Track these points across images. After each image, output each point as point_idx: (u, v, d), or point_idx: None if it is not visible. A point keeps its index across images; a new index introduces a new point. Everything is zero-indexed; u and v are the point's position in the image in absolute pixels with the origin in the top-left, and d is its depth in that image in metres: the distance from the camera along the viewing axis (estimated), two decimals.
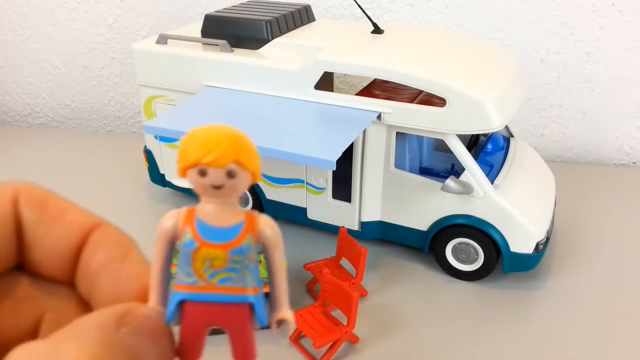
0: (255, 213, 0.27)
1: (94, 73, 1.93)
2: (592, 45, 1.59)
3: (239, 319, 0.27)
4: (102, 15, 1.83)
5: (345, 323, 0.98)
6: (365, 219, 1.24)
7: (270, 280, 0.28)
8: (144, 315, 0.25)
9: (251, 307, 0.27)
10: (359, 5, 1.30)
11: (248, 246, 0.26)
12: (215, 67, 1.24)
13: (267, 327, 0.28)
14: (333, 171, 0.97)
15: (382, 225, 1.24)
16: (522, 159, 1.25)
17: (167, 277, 0.27)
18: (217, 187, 0.25)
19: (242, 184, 0.26)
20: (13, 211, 0.27)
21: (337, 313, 1.02)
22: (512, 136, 1.33)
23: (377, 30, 1.27)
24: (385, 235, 1.25)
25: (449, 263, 1.19)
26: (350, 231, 1.20)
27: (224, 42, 1.25)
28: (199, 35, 1.31)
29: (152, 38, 1.34)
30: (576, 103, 1.67)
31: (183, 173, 0.26)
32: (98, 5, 1.82)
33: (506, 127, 1.30)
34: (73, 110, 2.01)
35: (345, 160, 1.16)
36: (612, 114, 1.66)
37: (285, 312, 0.28)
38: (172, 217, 0.27)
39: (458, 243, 1.16)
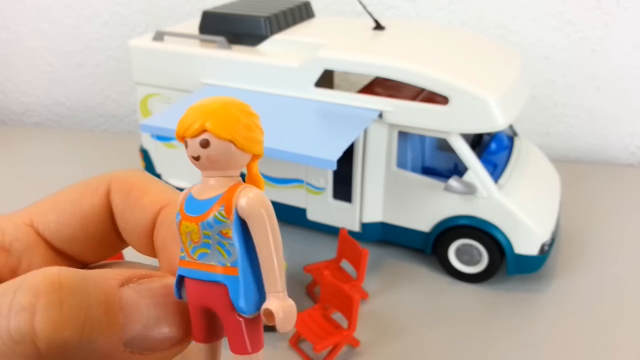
0: (245, 185, 0.25)
1: (89, 71, 1.91)
2: (597, 42, 1.57)
3: (221, 302, 0.24)
4: (97, 12, 1.81)
5: (345, 326, 0.97)
6: (366, 219, 1.22)
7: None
8: (162, 282, 0.26)
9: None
10: (359, 2, 1.29)
11: (216, 219, 0.24)
12: (213, 65, 1.23)
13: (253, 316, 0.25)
14: (333, 171, 0.96)
15: (383, 226, 1.23)
16: (526, 159, 1.24)
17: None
18: (196, 159, 0.24)
19: (219, 154, 0.24)
20: (107, 200, 0.31)
21: (337, 316, 1.01)
22: (517, 135, 1.31)
23: (378, 27, 1.27)
24: (386, 236, 1.24)
25: (451, 265, 1.18)
26: (351, 232, 1.19)
27: (222, 38, 1.24)
28: (196, 31, 1.30)
29: (149, 35, 1.34)
30: (581, 101, 1.65)
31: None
32: (93, 2, 1.80)
33: (510, 125, 1.29)
34: (68, 109, 1.98)
35: (346, 160, 1.14)
36: (618, 113, 1.65)
37: (268, 303, 0.24)
38: (184, 193, 0.26)
39: (461, 244, 1.15)
